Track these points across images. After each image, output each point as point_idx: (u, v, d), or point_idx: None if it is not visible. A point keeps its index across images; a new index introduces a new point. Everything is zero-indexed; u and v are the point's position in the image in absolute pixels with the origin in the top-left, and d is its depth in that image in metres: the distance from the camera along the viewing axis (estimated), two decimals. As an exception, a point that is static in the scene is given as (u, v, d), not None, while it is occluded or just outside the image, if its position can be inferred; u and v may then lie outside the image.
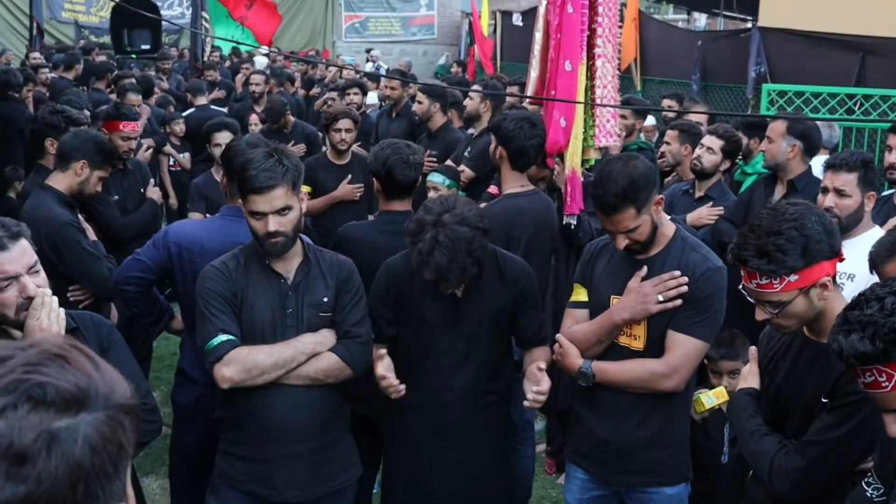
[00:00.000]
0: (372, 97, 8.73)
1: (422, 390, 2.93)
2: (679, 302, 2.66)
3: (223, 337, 2.63)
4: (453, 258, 2.71)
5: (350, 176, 5.47)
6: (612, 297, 2.80)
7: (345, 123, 5.51)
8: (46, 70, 9.68)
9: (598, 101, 3.62)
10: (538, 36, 3.85)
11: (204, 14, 11.86)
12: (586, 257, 2.96)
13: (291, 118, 7.24)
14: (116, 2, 12.96)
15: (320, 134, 7.16)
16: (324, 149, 6.25)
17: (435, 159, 5.72)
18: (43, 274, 2.32)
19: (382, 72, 16.78)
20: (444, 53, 24.00)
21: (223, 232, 3.16)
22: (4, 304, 2.23)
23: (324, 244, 3.39)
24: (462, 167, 5.64)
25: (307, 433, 2.73)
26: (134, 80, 8.13)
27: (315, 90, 11.27)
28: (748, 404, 2.39)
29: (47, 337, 1.29)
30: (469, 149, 5.80)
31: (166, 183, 7.56)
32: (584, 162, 3.91)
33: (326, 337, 2.76)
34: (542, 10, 3.84)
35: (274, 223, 2.64)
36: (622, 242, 2.69)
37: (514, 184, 3.78)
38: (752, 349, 2.52)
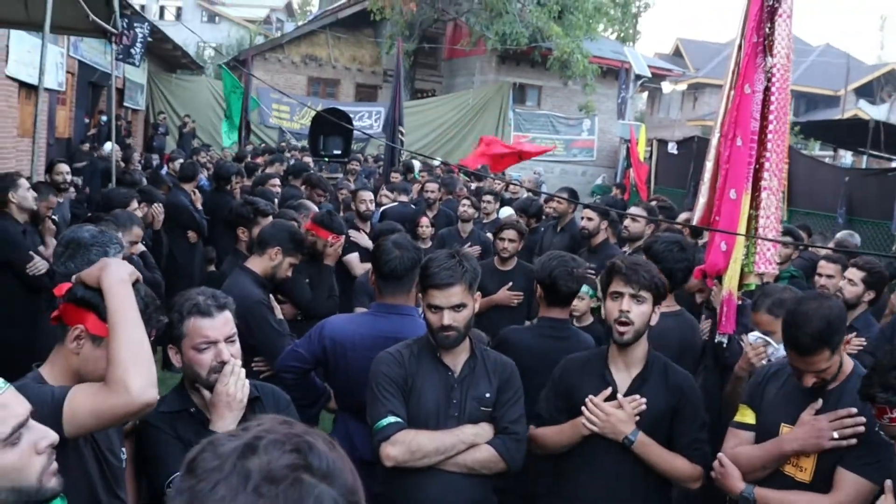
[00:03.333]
0: (505, 212, 8.80)
1: (574, 483, 2.85)
2: (854, 441, 2.46)
3: (392, 418, 2.65)
4: None
5: (511, 283, 5.46)
6: (782, 425, 2.61)
7: (509, 234, 5.57)
8: (259, 169, 10.39)
9: (760, 231, 3.50)
10: (709, 165, 3.78)
11: (401, 128, 12.58)
12: (758, 380, 2.79)
13: (469, 225, 7.42)
14: (317, 111, 14.12)
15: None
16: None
17: (594, 272, 5.65)
18: (238, 345, 2.41)
19: (545, 189, 17.07)
20: (602, 175, 24.14)
21: (372, 327, 3.19)
22: (200, 364, 2.33)
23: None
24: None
25: None
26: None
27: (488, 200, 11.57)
28: None
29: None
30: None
31: (354, 265, 7.74)
32: (741, 286, 3.78)
33: (486, 430, 2.74)
34: (714, 142, 3.78)
35: (448, 317, 2.68)
36: (809, 381, 2.54)
37: (661, 304, 3.67)
38: (888, 483, 2.26)
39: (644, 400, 2.78)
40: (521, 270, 5.59)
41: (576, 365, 3.02)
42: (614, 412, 2.77)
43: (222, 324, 2.35)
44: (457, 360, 2.79)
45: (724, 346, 3.81)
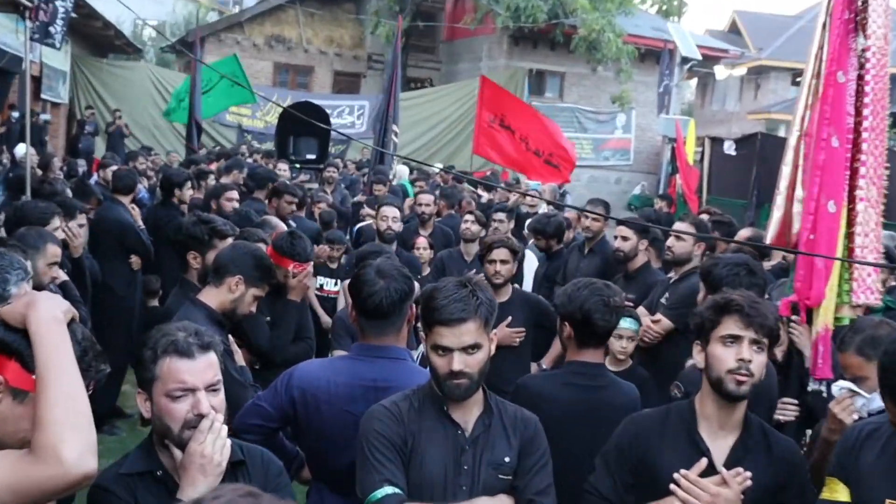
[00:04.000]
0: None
1: None
2: None
3: (388, 489, 2.62)
4: None
5: (510, 317, 5.37)
6: (887, 501, 2.56)
7: (501, 254, 5.45)
8: (212, 177, 10.39)
9: (858, 252, 3.48)
10: (786, 171, 3.77)
11: (395, 128, 12.53)
12: (848, 444, 2.75)
13: (474, 247, 7.37)
14: (285, 107, 14.12)
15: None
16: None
17: (632, 304, 5.62)
18: (222, 396, 2.43)
19: (569, 200, 17.10)
20: (640, 183, 24.22)
21: (352, 374, 3.17)
22: (173, 415, 2.34)
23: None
24: (658, 315, 5.54)
25: None
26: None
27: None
28: None
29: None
30: (667, 294, 5.69)
31: (314, 305, 7.69)
32: (834, 320, 3.77)
33: (505, 503, 2.71)
34: (792, 141, 3.77)
35: (459, 362, 2.66)
36: None
37: None
38: None
39: (749, 474, 2.76)
40: (519, 300, 5.57)
41: (649, 427, 2.98)
42: (720, 492, 2.74)
43: (204, 368, 2.38)
44: (468, 415, 2.76)
45: (824, 395, 3.79)
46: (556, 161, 12.74)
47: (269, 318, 4.78)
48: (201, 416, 2.33)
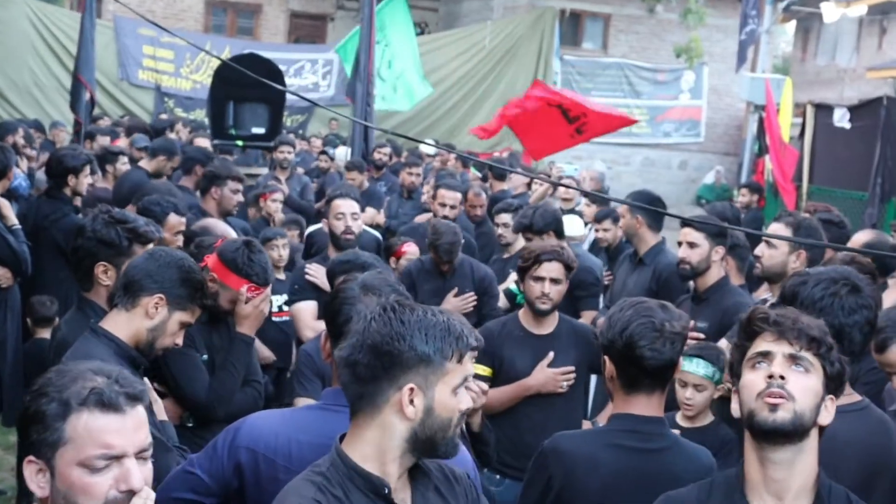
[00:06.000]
0: (573, 225, 8.80)
1: None
2: None
3: None
4: None
5: (552, 352, 5.47)
6: None
7: (553, 269, 5.50)
8: (125, 159, 10.38)
9: None
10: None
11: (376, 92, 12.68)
12: None
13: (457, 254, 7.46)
14: (222, 60, 14.06)
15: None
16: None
17: (703, 334, 5.65)
18: (150, 465, 2.44)
19: (613, 193, 17.13)
20: (715, 167, 24.26)
21: (322, 431, 3.17)
22: (89, 493, 2.34)
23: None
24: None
25: None
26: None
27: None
28: None
29: None
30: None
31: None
32: None
33: None
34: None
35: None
36: None
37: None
38: None
39: None
40: (568, 332, 5.65)
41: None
42: None
43: (135, 427, 2.39)
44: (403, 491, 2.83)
45: None
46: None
47: (205, 357, 4.82)
48: (131, 494, 2.33)
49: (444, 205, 8.60)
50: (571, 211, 10.06)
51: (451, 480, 2.91)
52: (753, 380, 2.87)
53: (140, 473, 2.36)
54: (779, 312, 2.93)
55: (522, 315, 5.66)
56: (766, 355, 2.88)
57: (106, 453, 2.33)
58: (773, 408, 2.80)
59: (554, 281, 5.47)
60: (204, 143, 12.44)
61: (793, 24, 37.84)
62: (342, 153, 14.24)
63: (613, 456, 3.58)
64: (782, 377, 2.82)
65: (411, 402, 2.65)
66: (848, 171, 15.89)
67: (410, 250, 7.56)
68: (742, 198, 15.16)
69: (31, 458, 2.40)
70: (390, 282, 3.37)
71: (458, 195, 8.91)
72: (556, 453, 3.66)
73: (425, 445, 2.71)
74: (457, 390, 2.72)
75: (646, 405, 3.65)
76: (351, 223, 6.82)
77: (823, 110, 17.12)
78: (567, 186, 10.98)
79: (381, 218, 11.26)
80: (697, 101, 25.04)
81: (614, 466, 3.55)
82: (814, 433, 2.89)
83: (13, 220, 7.71)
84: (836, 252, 5.98)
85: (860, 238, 6.95)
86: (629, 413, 3.65)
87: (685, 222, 6.34)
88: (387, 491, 2.74)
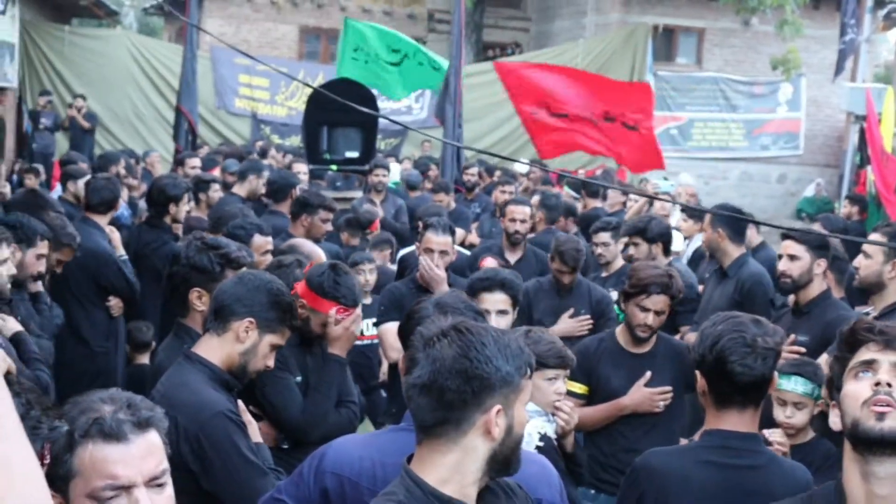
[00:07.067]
0: (676, 239, 8.81)
1: None
2: None
3: None
4: None
5: (649, 373, 5.53)
6: None
7: (658, 302, 5.49)
8: (217, 186, 10.47)
9: None
10: None
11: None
12: None
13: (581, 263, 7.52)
14: (315, 88, 14.15)
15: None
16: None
17: (803, 348, 5.62)
18: (170, 491, 2.44)
19: (707, 204, 17.00)
20: (815, 180, 23.90)
21: (404, 453, 3.09)
22: None
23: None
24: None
25: None
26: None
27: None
28: None
29: None
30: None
31: None
32: None
33: None
34: None
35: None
36: None
37: None
38: None
39: None
40: (666, 351, 5.66)
41: None
42: None
43: (143, 454, 2.39)
44: None
45: None
46: (631, 120, 12.85)
47: (298, 378, 4.88)
48: None
49: (514, 220, 8.61)
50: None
51: (510, 494, 2.90)
52: (858, 388, 2.82)
53: (151, 503, 2.33)
54: (884, 323, 2.91)
55: (620, 332, 5.69)
56: (870, 364, 2.84)
57: (112, 484, 2.33)
58: (881, 416, 2.73)
59: (658, 313, 5.50)
60: (302, 167, 12.56)
61: (894, 31, 37.16)
62: (396, 170, 14.29)
63: (705, 472, 3.58)
64: (889, 384, 2.77)
65: (496, 423, 2.63)
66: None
67: (488, 264, 7.60)
68: (844, 209, 14.96)
69: (52, 493, 2.32)
70: (463, 299, 3.38)
71: (528, 209, 8.95)
72: (648, 470, 3.68)
73: (502, 465, 2.70)
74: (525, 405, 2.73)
75: (738, 421, 3.63)
76: (439, 262, 6.67)
77: (927, 120, 16.84)
78: (664, 200, 10.96)
79: (473, 237, 11.33)
80: (796, 112, 24.70)
81: (706, 483, 3.56)
82: None
83: (121, 250, 7.86)
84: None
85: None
86: (720, 429, 3.64)
87: (786, 234, 6.29)
88: None
